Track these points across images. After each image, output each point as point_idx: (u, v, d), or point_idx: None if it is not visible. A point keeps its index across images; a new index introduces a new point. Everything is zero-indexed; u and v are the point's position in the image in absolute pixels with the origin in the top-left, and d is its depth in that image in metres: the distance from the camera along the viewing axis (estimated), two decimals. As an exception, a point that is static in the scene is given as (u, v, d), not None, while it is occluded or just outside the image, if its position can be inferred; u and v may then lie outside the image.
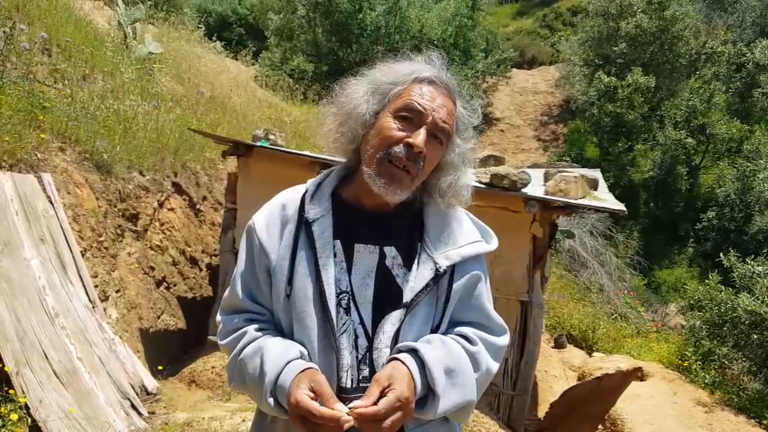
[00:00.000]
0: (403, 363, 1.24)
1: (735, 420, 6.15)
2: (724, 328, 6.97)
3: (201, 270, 6.57)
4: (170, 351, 5.50)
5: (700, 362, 7.24)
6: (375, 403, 1.16)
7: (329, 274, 1.31)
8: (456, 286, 1.35)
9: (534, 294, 4.92)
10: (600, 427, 5.87)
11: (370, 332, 1.32)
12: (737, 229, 14.18)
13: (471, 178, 1.44)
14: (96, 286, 4.63)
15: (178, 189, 6.67)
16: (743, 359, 7.11)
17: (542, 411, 5.43)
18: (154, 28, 10.83)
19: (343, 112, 1.38)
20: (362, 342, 1.32)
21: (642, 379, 6.86)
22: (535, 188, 5.11)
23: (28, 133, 4.74)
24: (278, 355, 1.27)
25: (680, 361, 7.38)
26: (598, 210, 5.52)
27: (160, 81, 8.35)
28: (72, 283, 4.29)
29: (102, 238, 5.06)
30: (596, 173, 6.66)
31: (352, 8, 15.81)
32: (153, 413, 4.28)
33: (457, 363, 1.29)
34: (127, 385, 4.24)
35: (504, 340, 1.42)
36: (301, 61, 15.55)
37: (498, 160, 6.17)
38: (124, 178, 5.69)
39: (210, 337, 5.56)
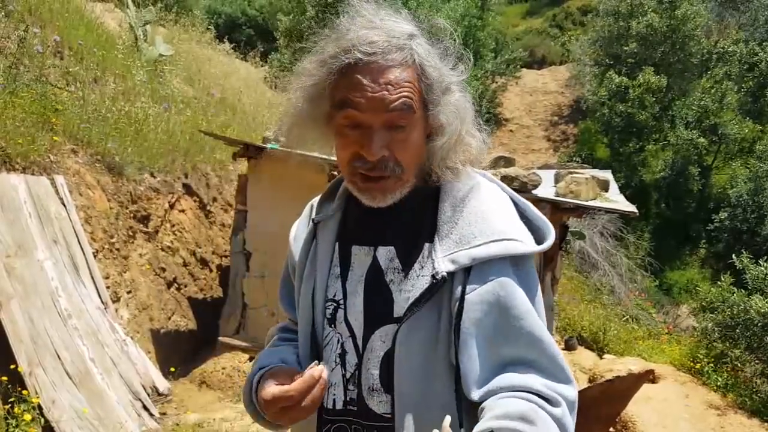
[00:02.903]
0: None
1: (748, 423, 6.09)
2: (737, 331, 6.90)
3: (211, 271, 6.60)
4: (181, 352, 5.52)
5: (712, 364, 7.18)
6: None
7: (321, 281, 1.15)
8: (471, 297, 1.02)
9: (545, 295, 4.90)
10: (612, 429, 5.83)
11: (360, 348, 1.10)
12: (750, 230, 14.06)
13: (474, 132, 1.12)
14: (108, 287, 4.66)
15: (189, 190, 6.70)
16: (756, 361, 7.04)
17: (553, 413, 5.40)
18: (165, 30, 10.89)
19: (298, 119, 1.13)
20: (351, 359, 1.11)
21: (654, 381, 6.81)
22: (546, 189, 5.09)
23: (41, 136, 4.78)
24: (258, 367, 1.17)
25: (692, 364, 7.32)
26: (608, 211, 5.50)
27: (170, 83, 8.40)
28: (84, 284, 4.32)
29: (114, 240, 5.09)
30: (607, 174, 6.62)
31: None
32: (164, 414, 4.31)
33: None
34: (139, 386, 4.27)
35: (573, 392, 1.06)
36: (310, 62, 15.54)
37: (508, 161, 6.15)
38: (136, 180, 5.72)
39: (220, 338, 5.59)
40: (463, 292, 1.02)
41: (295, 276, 1.24)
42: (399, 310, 1.07)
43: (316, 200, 1.28)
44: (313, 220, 1.21)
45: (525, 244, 1.07)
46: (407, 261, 1.09)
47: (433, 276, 1.04)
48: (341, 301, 1.13)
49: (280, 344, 1.27)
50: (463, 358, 1.02)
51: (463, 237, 1.06)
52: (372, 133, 1.02)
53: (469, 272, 1.04)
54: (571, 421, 1.03)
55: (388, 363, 1.07)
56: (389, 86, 1.01)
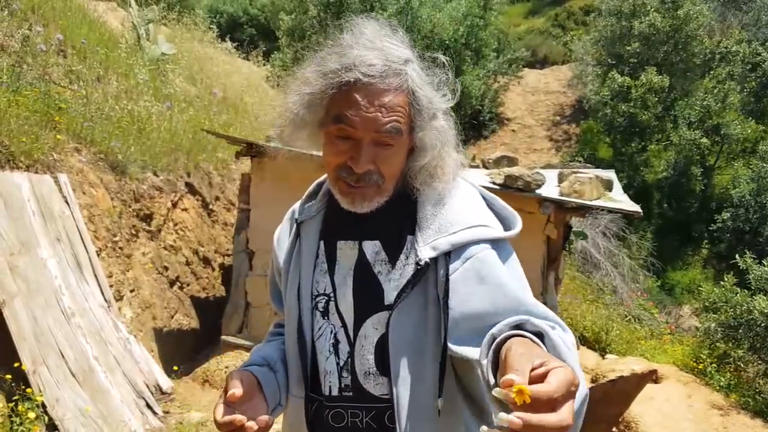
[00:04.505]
0: (538, 344, 0.96)
1: (751, 423, 6.08)
2: (740, 331, 6.89)
3: (214, 270, 6.61)
4: (184, 350, 5.53)
5: (715, 365, 7.17)
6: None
7: (306, 277, 1.24)
8: (454, 276, 1.12)
9: (548, 295, 4.90)
10: (614, 430, 5.83)
11: (352, 337, 1.20)
12: (752, 231, 14.03)
13: (452, 154, 1.20)
14: (111, 286, 4.66)
15: (192, 189, 6.70)
16: (759, 362, 7.03)
17: (555, 413, 5.39)
18: (167, 29, 10.90)
19: (295, 121, 1.20)
20: (344, 347, 1.20)
21: (656, 381, 6.80)
22: (550, 189, 5.09)
23: (44, 134, 4.79)
24: (244, 363, 1.26)
25: (695, 364, 7.31)
26: (612, 211, 5.49)
27: (173, 82, 8.40)
28: (88, 282, 4.32)
29: (117, 238, 5.09)
30: (611, 174, 6.62)
31: (363, 8, 15.80)
32: (167, 412, 4.31)
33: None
34: (142, 385, 4.27)
35: (572, 336, 1.09)
36: (312, 61, 15.55)
37: (511, 161, 6.15)
38: (138, 179, 5.72)
39: (223, 336, 5.59)
40: (447, 274, 1.12)
41: (280, 276, 1.33)
42: (389, 297, 1.16)
43: (296, 205, 1.37)
44: (296, 220, 1.30)
45: (495, 230, 1.18)
46: (393, 253, 1.19)
47: (416, 263, 1.14)
48: (331, 294, 1.22)
49: (271, 339, 1.40)
50: (453, 338, 1.10)
51: (441, 227, 1.16)
52: (361, 147, 1.12)
53: (449, 256, 1.14)
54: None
55: (382, 347, 1.16)
56: (383, 108, 1.10)
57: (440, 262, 1.13)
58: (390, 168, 1.15)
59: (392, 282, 1.17)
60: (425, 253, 1.13)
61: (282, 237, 1.36)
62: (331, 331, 1.22)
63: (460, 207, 1.20)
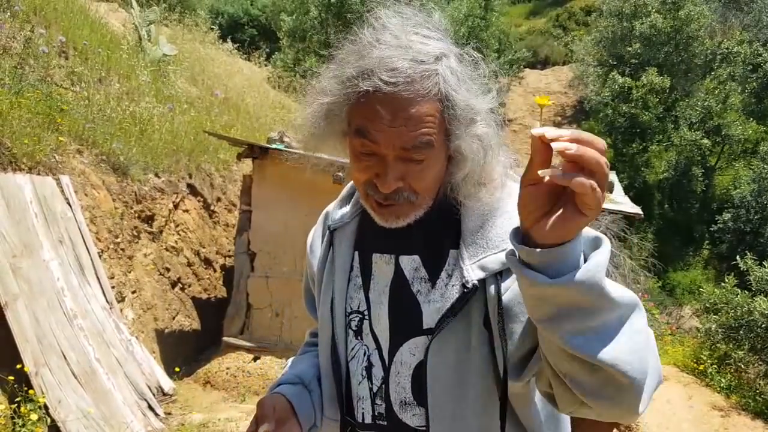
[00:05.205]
0: None
1: (751, 424, 6.08)
2: (741, 332, 6.89)
3: (215, 271, 6.62)
4: (185, 352, 5.54)
5: (716, 366, 7.17)
6: None
7: (339, 291, 1.12)
8: (508, 297, 0.98)
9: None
10: (615, 431, 5.83)
11: (387, 361, 1.08)
12: (753, 231, 14.04)
13: (499, 159, 1.04)
14: (113, 287, 4.68)
15: (193, 190, 6.71)
16: (760, 363, 7.03)
17: (556, 414, 5.40)
18: (169, 30, 10.91)
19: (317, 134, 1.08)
20: (377, 372, 1.09)
21: (657, 382, 6.80)
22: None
23: (46, 136, 4.80)
24: (278, 380, 1.19)
25: (696, 365, 7.31)
26: (613, 213, 5.49)
27: (174, 83, 8.42)
28: (90, 284, 4.34)
29: (118, 240, 5.11)
30: (612, 176, 6.62)
31: (364, 9, 15.78)
32: (169, 414, 4.32)
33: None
34: (144, 386, 4.28)
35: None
36: (314, 62, 15.57)
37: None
38: (140, 180, 5.74)
39: (225, 338, 5.60)
40: (499, 295, 0.97)
41: (314, 283, 1.22)
42: (429, 321, 1.03)
43: (330, 207, 1.24)
44: (329, 227, 1.18)
45: None
46: (433, 270, 1.05)
47: (463, 285, 0.99)
48: (365, 312, 1.10)
49: (307, 350, 1.30)
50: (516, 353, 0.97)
51: (490, 241, 1.01)
52: (387, 164, 0.97)
53: (500, 275, 0.99)
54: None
55: (419, 375, 1.04)
56: (409, 121, 0.93)
57: (489, 281, 0.98)
58: (423, 183, 1.00)
59: (432, 304, 1.03)
60: (473, 274, 0.98)
61: (315, 242, 1.24)
62: (365, 354, 1.10)
63: (512, 215, 0.99)
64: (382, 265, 1.10)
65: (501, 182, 1.05)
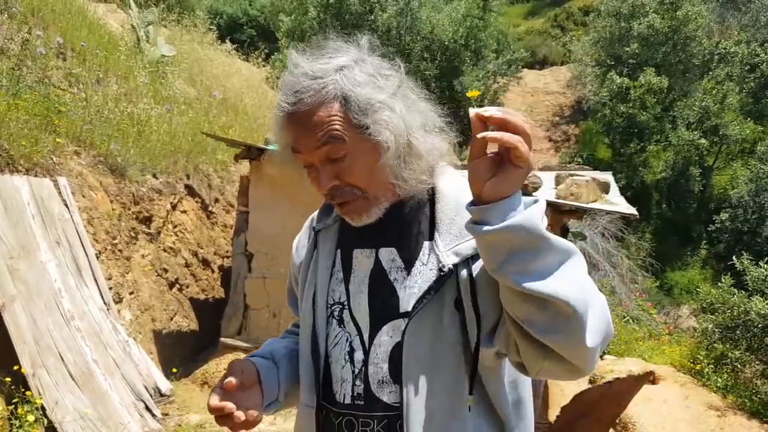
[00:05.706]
0: None
1: (748, 424, 6.10)
2: (737, 332, 6.90)
3: (213, 272, 6.63)
4: (183, 352, 5.55)
5: (712, 366, 7.18)
6: None
7: (321, 286, 1.23)
8: (479, 275, 1.09)
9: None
10: (611, 431, 5.85)
11: (366, 345, 1.18)
12: (750, 231, 14.06)
13: (423, 138, 1.16)
14: (110, 289, 4.69)
15: (191, 191, 6.72)
16: (756, 363, 7.05)
17: (553, 415, 5.42)
18: (167, 30, 10.91)
19: None
20: (359, 356, 1.19)
21: (654, 382, 6.81)
22: (547, 192, 5.11)
23: (44, 137, 4.81)
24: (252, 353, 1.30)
25: (692, 365, 7.33)
26: (609, 213, 5.51)
27: (172, 84, 8.42)
28: (87, 285, 4.35)
29: (116, 241, 5.12)
30: (608, 176, 6.64)
31: (363, 9, 15.82)
32: (166, 415, 4.33)
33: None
34: (141, 387, 4.29)
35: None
36: (313, 62, 15.53)
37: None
38: (138, 181, 5.75)
39: (222, 338, 5.61)
40: (471, 276, 1.09)
41: (298, 284, 1.34)
42: (405, 305, 1.14)
43: (316, 213, 1.36)
44: (314, 228, 1.31)
45: None
46: (409, 259, 1.17)
47: (439, 269, 1.11)
48: (345, 302, 1.21)
49: (285, 335, 1.43)
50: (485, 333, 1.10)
51: (462, 230, 1.11)
52: (317, 170, 1.13)
53: (471, 259, 1.11)
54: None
55: (397, 356, 1.14)
56: (316, 127, 1.09)
57: (461, 266, 1.11)
58: (357, 177, 1.12)
59: (408, 289, 1.14)
60: (449, 258, 1.10)
61: (300, 245, 1.36)
62: (347, 340, 1.20)
63: None
64: (363, 259, 1.21)
65: (438, 163, 1.19)
